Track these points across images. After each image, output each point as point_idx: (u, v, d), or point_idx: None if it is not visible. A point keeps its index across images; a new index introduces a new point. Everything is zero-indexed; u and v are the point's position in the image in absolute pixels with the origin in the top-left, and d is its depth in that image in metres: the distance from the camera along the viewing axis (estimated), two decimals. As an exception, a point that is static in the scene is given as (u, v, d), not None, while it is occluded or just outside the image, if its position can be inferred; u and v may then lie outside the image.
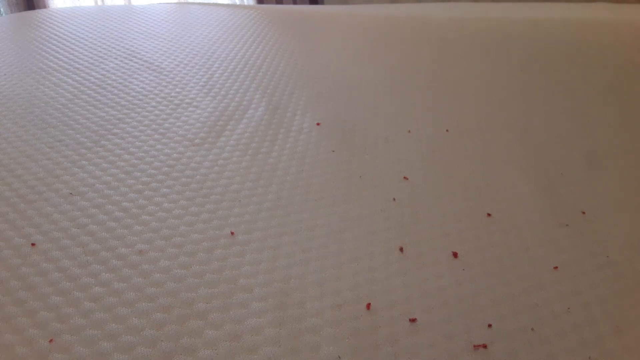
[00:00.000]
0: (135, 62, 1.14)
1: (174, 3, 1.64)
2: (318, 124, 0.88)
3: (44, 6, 2.62)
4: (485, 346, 0.47)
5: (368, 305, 0.52)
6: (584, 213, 0.66)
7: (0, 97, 0.99)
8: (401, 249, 0.59)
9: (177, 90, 1.01)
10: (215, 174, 0.74)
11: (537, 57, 1.16)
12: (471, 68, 1.11)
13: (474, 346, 0.47)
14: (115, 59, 1.16)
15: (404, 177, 0.73)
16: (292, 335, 0.49)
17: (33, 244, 0.60)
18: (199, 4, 1.62)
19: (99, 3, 2.76)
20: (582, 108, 0.93)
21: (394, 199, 0.69)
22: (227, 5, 1.62)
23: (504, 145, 0.81)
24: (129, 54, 1.18)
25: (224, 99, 0.98)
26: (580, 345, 0.48)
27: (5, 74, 1.09)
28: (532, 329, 0.49)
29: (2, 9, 2.36)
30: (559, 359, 0.47)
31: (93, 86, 1.02)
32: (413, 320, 0.50)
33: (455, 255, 0.59)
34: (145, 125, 0.88)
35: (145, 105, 0.95)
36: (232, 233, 0.62)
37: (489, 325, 0.50)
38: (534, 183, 0.72)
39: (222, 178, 0.73)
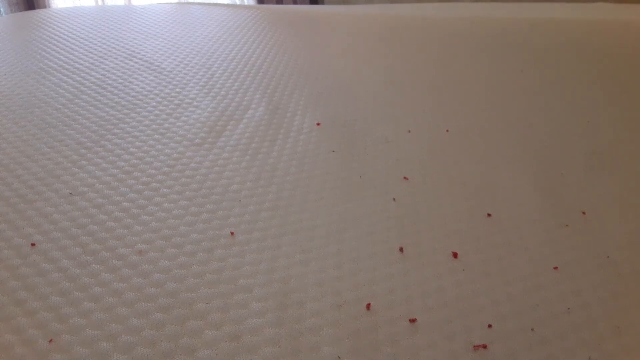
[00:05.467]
0: (136, 62, 1.14)
1: (174, 3, 1.64)
2: (318, 124, 0.88)
3: (44, 6, 2.62)
4: (485, 346, 0.47)
5: (368, 306, 0.52)
6: (584, 213, 0.66)
7: (0, 97, 0.99)
8: (401, 249, 0.59)
9: (177, 90, 1.01)
10: (215, 174, 0.74)
11: (537, 57, 1.16)
12: (471, 68, 1.11)
13: (474, 346, 0.47)
14: (116, 59, 1.16)
15: (404, 177, 0.73)
16: (292, 336, 0.48)
17: (33, 244, 0.60)
18: (199, 4, 1.62)
19: (99, 3, 2.76)
20: (582, 108, 0.93)
21: (394, 199, 0.69)
22: (227, 5, 1.62)
23: (504, 145, 0.81)
24: (129, 54, 1.18)
25: (224, 99, 0.98)
26: (580, 346, 0.48)
27: (5, 74, 1.09)
28: (532, 330, 0.49)
29: (2, 9, 2.36)
30: (559, 359, 0.47)
31: (93, 86, 1.02)
32: (413, 321, 0.50)
33: (455, 255, 0.59)
34: (145, 126, 0.88)
35: (145, 105, 0.95)
36: (232, 233, 0.62)
37: (489, 326, 0.50)
38: (534, 183, 0.71)
39: (222, 178, 0.73)
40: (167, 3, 1.63)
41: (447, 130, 0.84)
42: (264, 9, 1.56)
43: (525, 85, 1.02)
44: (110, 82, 1.04)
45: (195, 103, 0.96)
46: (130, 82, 1.04)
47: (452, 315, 0.51)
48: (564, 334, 0.49)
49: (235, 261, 0.58)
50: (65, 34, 1.32)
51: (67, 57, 1.17)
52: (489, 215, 0.65)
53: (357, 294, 0.53)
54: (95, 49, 1.22)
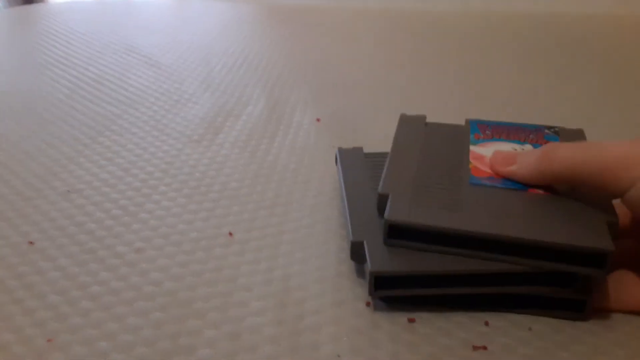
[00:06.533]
0: (134, 57, 1.13)
1: (173, -3, 1.63)
2: (318, 120, 0.88)
3: (42, 1, 2.61)
4: (485, 348, 0.47)
5: (368, 303, 0.51)
6: (584, 210, 0.65)
7: (-3, 93, 0.98)
8: (401, 247, 0.59)
9: (176, 86, 1.01)
10: (214, 172, 0.74)
11: (540, 52, 1.16)
12: (474, 63, 1.11)
13: (474, 347, 0.47)
14: (114, 54, 1.16)
15: (404, 174, 0.73)
16: (291, 334, 0.48)
17: (31, 242, 0.60)
18: (198, -2, 1.61)
19: (97, -3, 2.74)
20: (583, 105, 0.93)
21: (394, 196, 0.68)
22: (226, 0, 1.61)
23: (504, 141, 0.80)
24: (127, 49, 1.18)
25: (223, 94, 0.97)
26: (575, 341, 0.48)
27: (1, 69, 1.08)
28: (530, 329, 0.49)
29: (0, 4, 2.35)
30: (556, 356, 0.46)
31: (91, 81, 1.02)
32: (412, 320, 0.50)
33: (455, 253, 0.58)
34: (144, 122, 0.87)
35: (144, 101, 0.95)
36: (230, 234, 0.62)
37: (486, 323, 0.49)
38: (535, 180, 0.71)
39: (220, 175, 0.73)
40: (166, -3, 1.63)
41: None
42: (263, 4, 1.55)
43: (528, 82, 1.02)
44: (108, 77, 1.04)
45: (194, 99, 0.96)
46: (128, 77, 1.04)
47: (451, 313, 0.51)
48: (561, 332, 0.49)
49: (234, 260, 0.57)
50: (63, 29, 1.32)
51: (65, 52, 1.17)
52: (489, 212, 0.65)
53: (357, 291, 0.53)
54: (93, 44, 1.21)
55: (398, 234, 0.50)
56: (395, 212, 0.51)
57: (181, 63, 1.11)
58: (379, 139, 0.82)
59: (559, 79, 1.03)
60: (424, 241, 0.50)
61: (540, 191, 0.53)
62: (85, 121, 0.87)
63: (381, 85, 1.01)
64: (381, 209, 0.52)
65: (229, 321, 0.50)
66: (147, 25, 1.34)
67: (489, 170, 0.56)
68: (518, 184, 0.54)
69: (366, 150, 0.69)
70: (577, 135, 0.64)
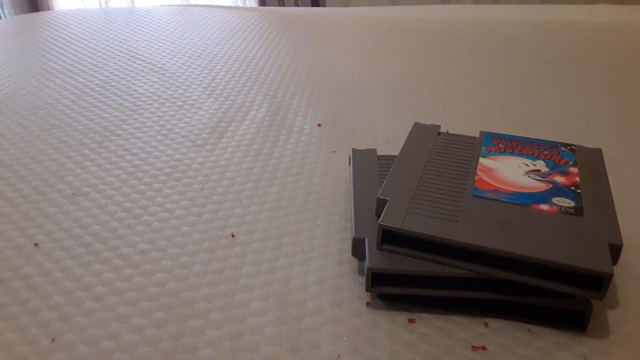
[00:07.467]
0: (139, 64, 1.15)
1: (177, 5, 1.65)
2: (319, 125, 0.89)
3: (48, 8, 2.64)
4: (484, 348, 0.47)
5: (368, 304, 0.52)
6: (584, 213, 0.66)
7: (4, 98, 1.00)
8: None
9: (180, 91, 1.02)
10: (217, 175, 0.75)
11: (538, 58, 1.17)
12: (471, 69, 1.12)
13: (473, 347, 0.47)
14: (119, 60, 1.17)
15: (405, 178, 0.73)
16: (292, 335, 0.49)
17: (36, 244, 0.61)
18: (202, 6, 1.62)
19: (103, 5, 2.77)
20: (583, 109, 0.93)
21: (395, 200, 0.69)
22: (230, 7, 1.63)
23: (504, 146, 0.81)
24: (132, 56, 1.19)
25: (226, 100, 0.98)
26: (574, 342, 0.48)
27: (9, 75, 1.09)
28: (529, 330, 0.49)
29: (6, 11, 2.37)
30: (555, 357, 0.47)
31: (97, 87, 1.03)
32: (412, 321, 0.50)
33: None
34: (148, 127, 0.88)
35: (148, 106, 0.96)
36: (232, 235, 0.62)
37: (485, 324, 0.50)
38: (535, 183, 0.72)
39: (223, 179, 0.74)
40: (170, 5, 1.64)
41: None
42: (265, 11, 1.57)
43: (526, 86, 1.03)
44: (113, 83, 1.05)
45: (197, 104, 0.97)
46: (133, 83, 1.05)
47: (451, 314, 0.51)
48: (559, 332, 0.49)
49: (236, 261, 0.58)
50: (68, 36, 1.33)
51: (71, 58, 1.18)
52: (489, 215, 0.65)
53: (357, 291, 0.54)
54: (99, 51, 1.22)
55: (393, 239, 0.51)
56: (390, 218, 0.51)
57: (185, 69, 1.12)
58: (380, 144, 0.83)
59: (556, 84, 1.04)
60: (418, 249, 0.50)
61: (545, 207, 0.51)
62: (91, 126, 0.88)
63: (381, 91, 1.02)
64: (379, 213, 0.52)
65: (231, 321, 0.50)
66: (151, 32, 1.35)
67: (495, 183, 0.55)
68: (522, 199, 0.52)
69: (367, 154, 0.70)
70: (594, 154, 0.61)
